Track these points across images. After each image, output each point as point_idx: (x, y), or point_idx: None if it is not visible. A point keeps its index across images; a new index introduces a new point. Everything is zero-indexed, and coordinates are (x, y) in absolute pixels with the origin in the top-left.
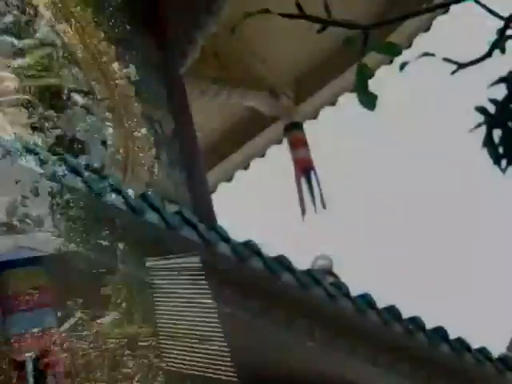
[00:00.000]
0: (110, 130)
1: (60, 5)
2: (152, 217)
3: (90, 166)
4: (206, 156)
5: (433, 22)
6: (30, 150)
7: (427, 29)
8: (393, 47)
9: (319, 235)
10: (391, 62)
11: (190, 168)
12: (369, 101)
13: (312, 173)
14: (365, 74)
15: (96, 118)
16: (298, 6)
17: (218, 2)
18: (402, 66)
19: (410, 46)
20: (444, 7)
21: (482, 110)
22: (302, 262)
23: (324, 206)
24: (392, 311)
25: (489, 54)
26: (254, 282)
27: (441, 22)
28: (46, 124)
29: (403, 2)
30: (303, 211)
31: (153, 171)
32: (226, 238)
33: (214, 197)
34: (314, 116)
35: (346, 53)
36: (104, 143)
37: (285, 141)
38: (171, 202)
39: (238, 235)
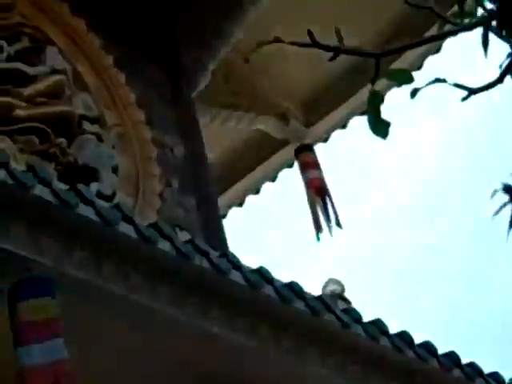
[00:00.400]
0: (121, 157)
1: (70, 32)
2: (164, 245)
3: (101, 193)
4: (216, 181)
5: (442, 44)
6: (42, 180)
7: (437, 50)
8: (404, 74)
9: (329, 258)
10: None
11: (201, 193)
12: (381, 129)
13: (326, 194)
14: (376, 102)
15: (107, 145)
16: (310, 34)
17: (228, 27)
18: (414, 93)
19: (420, 67)
20: (454, 35)
21: (508, 189)
22: (313, 286)
23: (340, 226)
24: (404, 337)
25: (500, 80)
26: (265, 310)
27: (451, 42)
28: (57, 151)
29: (412, 25)
30: (319, 231)
31: (164, 197)
32: (237, 266)
33: (225, 222)
34: (325, 139)
35: (357, 75)
36: (115, 170)
37: (296, 164)
38: (182, 228)
39: (249, 261)
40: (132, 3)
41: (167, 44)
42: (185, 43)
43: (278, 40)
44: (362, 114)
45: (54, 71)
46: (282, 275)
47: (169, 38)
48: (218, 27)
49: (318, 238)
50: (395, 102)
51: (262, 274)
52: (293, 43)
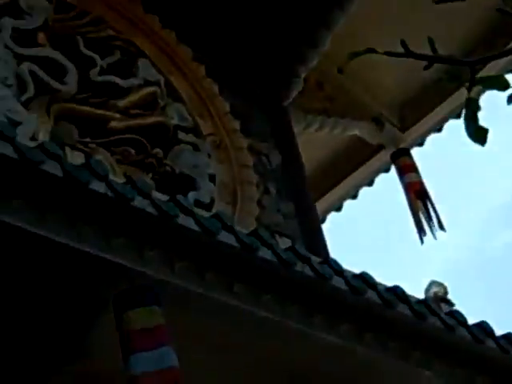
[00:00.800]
0: (218, 165)
1: (161, 43)
2: (265, 253)
3: (199, 201)
4: (313, 187)
5: None
6: (141, 191)
7: None
8: (501, 80)
9: (431, 260)
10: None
11: (298, 200)
12: (479, 135)
13: (426, 197)
14: (473, 109)
15: (203, 154)
16: (403, 44)
17: (319, 35)
18: (511, 99)
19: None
20: None
21: None
22: (415, 289)
23: (443, 229)
24: (510, 338)
25: None
26: (369, 315)
27: None
28: (154, 162)
29: (501, 31)
30: (422, 234)
31: (262, 204)
32: (339, 271)
33: (324, 227)
34: (421, 143)
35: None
36: (212, 178)
37: (392, 169)
38: (281, 235)
39: (351, 266)
40: (222, 14)
41: (260, 53)
42: (277, 52)
43: (371, 50)
44: (457, 116)
45: (147, 83)
46: (383, 279)
47: (261, 47)
48: (311, 36)
49: (422, 241)
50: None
51: (365, 278)
52: (387, 53)
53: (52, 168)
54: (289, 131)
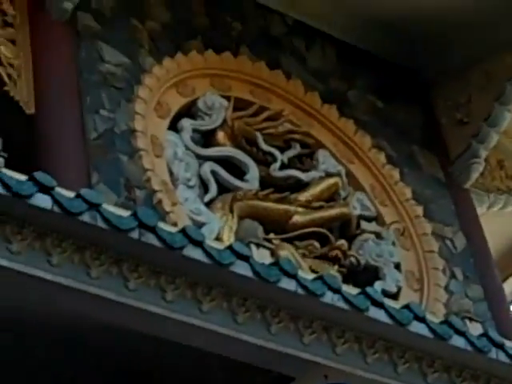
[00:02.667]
0: (403, 253)
1: (339, 133)
2: (457, 341)
3: (386, 291)
4: (499, 267)
5: None
6: (330, 287)
7: None
8: None
9: None
10: None
11: (485, 282)
12: None
13: None
14: None
15: (387, 242)
16: None
17: (500, 114)
18: None
19: None
20: None
21: None
22: None
23: None
24: None
25: None
26: None
27: None
28: (339, 254)
29: None
30: None
31: (450, 290)
32: None
33: None
34: None
35: None
36: (397, 266)
37: None
38: (472, 320)
39: None
40: (397, 100)
41: (438, 136)
42: (455, 134)
43: None
44: None
45: (328, 174)
46: None
47: (440, 131)
48: (493, 115)
49: None
50: None
51: None
52: None
53: (242, 269)
54: (472, 213)
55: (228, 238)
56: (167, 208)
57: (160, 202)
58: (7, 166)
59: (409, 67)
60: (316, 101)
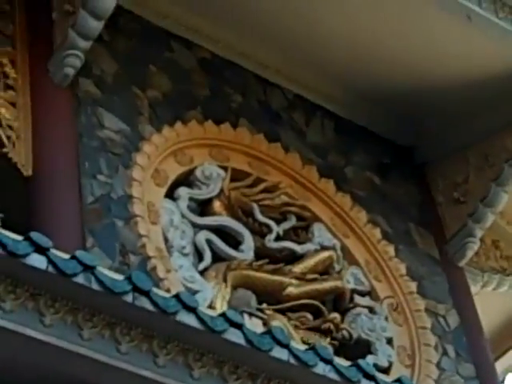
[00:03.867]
0: (395, 328)
1: (335, 208)
2: None
3: (377, 365)
4: (492, 346)
5: None
6: (322, 358)
7: None
8: None
9: None
10: None
11: (477, 361)
12: None
13: None
14: None
15: (380, 317)
16: None
17: (497, 196)
18: None
19: None
20: None
21: None
22: None
23: None
24: None
25: None
26: None
27: None
28: (331, 326)
29: None
30: None
31: (441, 367)
32: None
33: None
34: None
35: None
36: (390, 341)
37: None
38: None
39: None
40: (393, 177)
41: (434, 214)
42: (450, 212)
43: None
44: None
45: (323, 247)
46: None
47: (434, 208)
48: (490, 197)
49: None
50: None
51: None
52: None
53: (234, 336)
54: (466, 291)
55: (221, 307)
56: (161, 274)
57: (154, 268)
58: (3, 226)
59: (406, 145)
60: (313, 175)
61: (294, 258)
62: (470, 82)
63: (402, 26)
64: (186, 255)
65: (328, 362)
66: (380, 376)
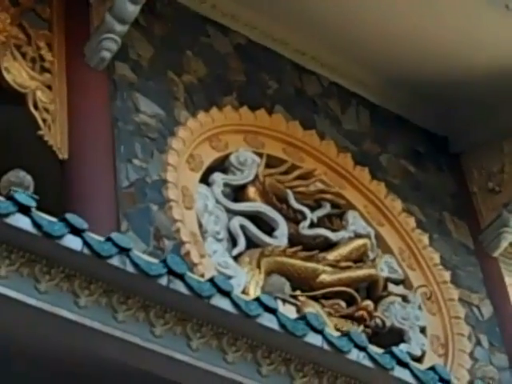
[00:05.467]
0: (429, 317)
1: (370, 196)
2: None
3: (410, 354)
4: None
5: None
6: (357, 345)
7: None
8: None
9: None
10: None
11: (511, 351)
12: None
13: None
14: None
15: (413, 306)
16: None
17: None
18: None
19: None
20: None
21: None
22: None
23: None
24: None
25: None
26: None
27: None
28: (364, 314)
29: None
30: None
31: (474, 357)
32: None
33: None
34: None
35: None
36: (423, 330)
37: None
38: None
39: None
40: (428, 166)
41: (468, 203)
42: (484, 202)
43: None
44: None
45: (357, 235)
46: None
47: (469, 198)
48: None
49: None
50: None
51: None
52: None
53: (268, 321)
54: (500, 282)
55: (254, 293)
56: (195, 259)
57: (188, 253)
58: (38, 208)
59: (441, 134)
60: (348, 162)
61: (328, 245)
62: (506, 71)
63: (439, 14)
64: (219, 240)
65: (362, 348)
66: (414, 364)
